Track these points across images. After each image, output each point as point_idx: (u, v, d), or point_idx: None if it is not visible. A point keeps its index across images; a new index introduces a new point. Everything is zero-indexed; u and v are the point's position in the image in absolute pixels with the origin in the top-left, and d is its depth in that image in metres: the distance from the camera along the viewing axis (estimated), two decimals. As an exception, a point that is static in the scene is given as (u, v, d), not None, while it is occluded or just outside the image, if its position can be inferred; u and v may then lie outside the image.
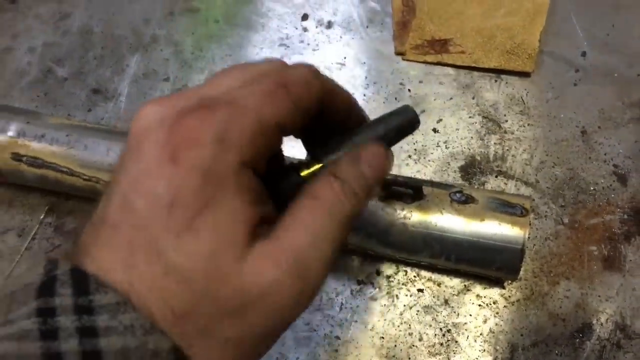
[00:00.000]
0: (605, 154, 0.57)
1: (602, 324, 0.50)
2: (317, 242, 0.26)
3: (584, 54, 0.62)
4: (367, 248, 0.51)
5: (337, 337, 0.51)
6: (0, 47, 0.67)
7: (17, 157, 0.53)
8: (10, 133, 0.53)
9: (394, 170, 0.57)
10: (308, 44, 0.65)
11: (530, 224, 0.54)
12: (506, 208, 0.48)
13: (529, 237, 0.53)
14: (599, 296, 0.51)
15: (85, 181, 0.53)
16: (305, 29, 0.66)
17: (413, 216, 0.48)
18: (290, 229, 0.26)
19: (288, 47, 0.65)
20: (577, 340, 0.50)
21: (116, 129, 0.57)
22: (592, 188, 0.56)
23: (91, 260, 0.24)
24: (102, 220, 0.25)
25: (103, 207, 0.25)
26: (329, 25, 0.66)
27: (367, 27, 0.65)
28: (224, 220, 0.24)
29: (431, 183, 0.51)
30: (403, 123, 0.33)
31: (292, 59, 0.64)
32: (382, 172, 0.30)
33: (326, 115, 0.30)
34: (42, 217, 0.58)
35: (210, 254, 0.24)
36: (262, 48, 0.65)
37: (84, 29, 0.68)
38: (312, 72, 0.29)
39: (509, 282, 0.52)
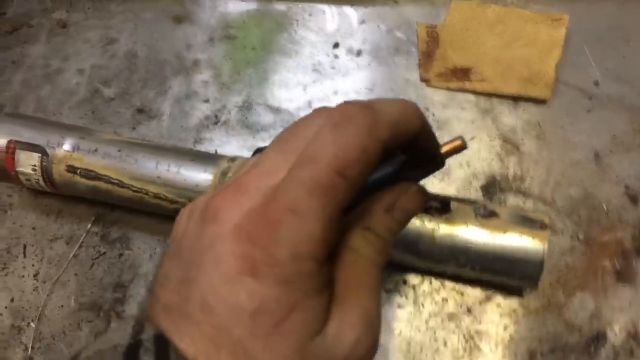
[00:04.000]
0: (617, 176, 0.61)
1: (615, 333, 0.54)
2: (375, 296, 0.29)
3: (596, 83, 0.66)
4: (396, 258, 0.55)
5: (367, 342, 0.54)
6: (52, 68, 0.72)
7: (71, 169, 0.57)
8: (65, 147, 0.58)
9: (420, 188, 0.61)
10: (339, 70, 0.70)
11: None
12: (527, 222, 0.52)
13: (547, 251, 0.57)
14: (613, 307, 0.55)
15: (135, 192, 0.57)
16: (336, 56, 0.71)
17: (440, 228, 0.52)
18: (351, 289, 0.28)
19: (320, 72, 0.70)
20: (592, 348, 0.53)
21: (163, 146, 0.61)
22: (604, 207, 0.60)
23: (173, 338, 0.27)
24: (181, 313, 0.27)
25: (178, 293, 0.28)
26: (359, 53, 0.71)
27: (394, 55, 0.70)
28: (307, 320, 0.26)
29: (457, 199, 0.55)
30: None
31: (323, 84, 0.69)
32: (413, 214, 0.33)
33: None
34: (89, 226, 0.62)
35: (298, 349, 0.26)
36: (295, 73, 0.70)
37: (129, 53, 0.73)
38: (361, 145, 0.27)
39: (528, 292, 0.56)
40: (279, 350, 0.26)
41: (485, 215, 0.53)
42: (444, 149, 0.34)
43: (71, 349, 0.56)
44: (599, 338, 0.54)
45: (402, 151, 0.33)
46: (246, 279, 0.25)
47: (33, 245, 0.61)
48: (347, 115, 0.27)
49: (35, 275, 0.59)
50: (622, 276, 0.56)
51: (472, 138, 0.64)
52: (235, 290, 0.26)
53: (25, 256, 0.60)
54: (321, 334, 0.27)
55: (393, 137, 0.28)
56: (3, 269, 0.59)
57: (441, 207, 0.52)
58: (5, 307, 0.57)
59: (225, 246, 0.26)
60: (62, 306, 0.57)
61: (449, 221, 0.53)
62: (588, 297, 0.56)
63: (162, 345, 0.26)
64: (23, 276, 0.59)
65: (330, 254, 0.28)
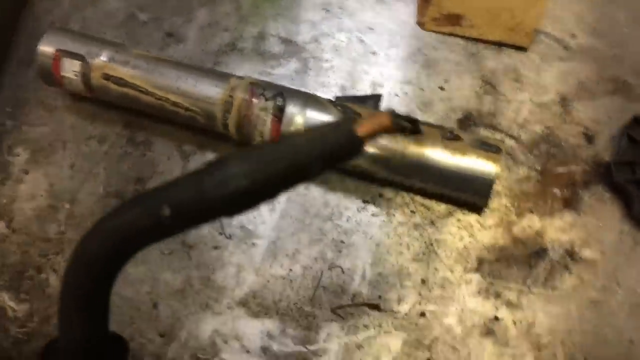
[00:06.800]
0: (578, 118, 0.68)
1: (555, 250, 0.62)
2: None
3: (573, 35, 0.73)
4: (370, 171, 0.64)
5: (342, 242, 0.64)
6: (95, -7, 0.83)
7: (106, 77, 0.68)
8: (103, 58, 0.68)
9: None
10: (345, 10, 0.78)
11: (504, 165, 0.66)
12: (484, 146, 0.60)
13: (505, 177, 0.66)
14: (556, 228, 0.63)
15: (157, 100, 0.67)
16: (344, -2, 0.79)
17: (410, 147, 0.61)
18: None
19: (329, 11, 0.78)
20: (533, 259, 0.62)
21: (184, 62, 0.71)
22: (563, 144, 0.67)
23: None
24: None
25: None
26: (365, -5, 0.79)
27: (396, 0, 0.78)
28: None
29: (430, 124, 0.64)
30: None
31: (330, 22, 0.77)
32: None
33: None
34: (118, 130, 0.72)
35: None
36: (307, 10, 0.79)
37: (163, -17, 0.82)
38: None
39: (484, 210, 0.64)
40: None
41: (451, 138, 0.61)
42: None
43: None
44: (540, 253, 0.62)
45: None
46: None
47: (71, 142, 0.72)
48: None
49: (71, 166, 0.70)
50: (568, 203, 0.64)
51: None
52: None
53: (64, 150, 0.71)
54: None
55: None
56: (46, 159, 0.70)
57: (412, 127, 0.61)
58: (45, 190, 0.68)
59: None
60: (92, 193, 0.68)
61: (418, 141, 0.61)
62: (536, 218, 0.64)
63: None
64: (62, 166, 0.70)
65: None
